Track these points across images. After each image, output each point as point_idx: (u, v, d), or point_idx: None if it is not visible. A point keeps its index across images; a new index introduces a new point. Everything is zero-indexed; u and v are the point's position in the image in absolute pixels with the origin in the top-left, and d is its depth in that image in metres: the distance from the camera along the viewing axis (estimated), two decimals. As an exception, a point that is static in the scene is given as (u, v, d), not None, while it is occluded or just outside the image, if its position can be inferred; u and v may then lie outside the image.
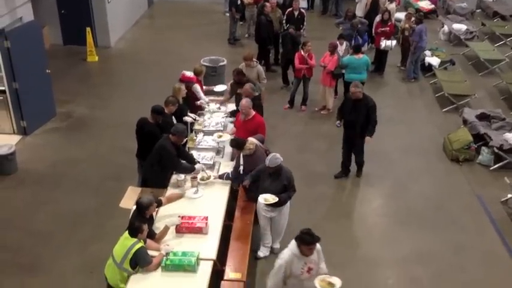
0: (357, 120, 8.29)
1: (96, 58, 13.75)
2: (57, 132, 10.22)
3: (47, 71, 10.27)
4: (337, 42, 11.15)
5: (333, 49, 10.76)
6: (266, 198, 6.54)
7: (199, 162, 7.28)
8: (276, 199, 6.50)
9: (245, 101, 7.86)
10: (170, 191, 6.91)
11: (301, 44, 11.01)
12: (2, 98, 9.56)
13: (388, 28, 12.70)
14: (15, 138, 9.72)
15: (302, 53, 10.74)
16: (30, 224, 7.63)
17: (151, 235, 5.92)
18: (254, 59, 10.05)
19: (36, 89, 9.96)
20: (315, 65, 10.86)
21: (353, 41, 11.78)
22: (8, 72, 9.34)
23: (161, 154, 6.89)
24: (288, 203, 6.84)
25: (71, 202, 8.12)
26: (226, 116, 8.79)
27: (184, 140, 7.67)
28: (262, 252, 7.08)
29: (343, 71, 10.83)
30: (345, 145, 8.71)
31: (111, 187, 8.18)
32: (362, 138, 8.42)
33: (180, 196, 6.68)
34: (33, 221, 7.71)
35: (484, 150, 9.25)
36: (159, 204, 6.24)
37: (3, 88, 9.50)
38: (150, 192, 6.88)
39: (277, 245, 7.12)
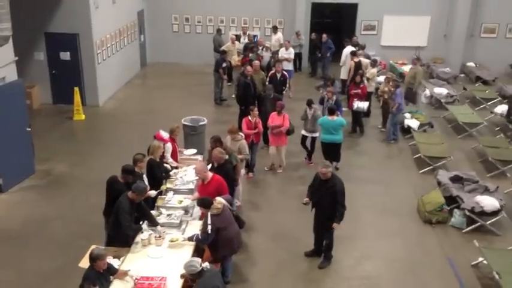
0: (323, 201, 7.80)
1: (83, 117, 14.03)
2: (34, 190, 10.28)
3: (27, 129, 10.46)
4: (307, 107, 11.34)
5: (280, 109, 10.92)
6: None
7: (158, 224, 7.31)
8: None
9: (199, 165, 7.98)
10: (132, 251, 6.90)
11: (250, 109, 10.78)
12: (-20, 155, 9.72)
13: (360, 90, 13.02)
14: (-9, 196, 9.79)
15: (249, 118, 10.62)
16: (-9, 284, 7.55)
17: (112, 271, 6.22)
18: (240, 133, 9.85)
19: (15, 147, 10.11)
20: (261, 130, 10.90)
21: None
22: (-13, 131, 9.55)
23: (116, 210, 6.97)
24: None
25: (38, 261, 8.05)
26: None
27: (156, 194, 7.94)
28: None
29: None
30: (315, 225, 8.20)
31: (81, 246, 8.04)
32: (330, 221, 7.77)
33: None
34: (-5, 280, 7.63)
35: (457, 212, 9.23)
36: (114, 272, 6.27)
37: (-19, 146, 9.67)
38: (113, 252, 6.90)
39: None
